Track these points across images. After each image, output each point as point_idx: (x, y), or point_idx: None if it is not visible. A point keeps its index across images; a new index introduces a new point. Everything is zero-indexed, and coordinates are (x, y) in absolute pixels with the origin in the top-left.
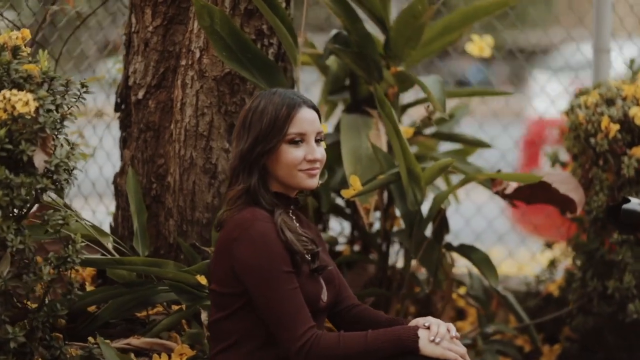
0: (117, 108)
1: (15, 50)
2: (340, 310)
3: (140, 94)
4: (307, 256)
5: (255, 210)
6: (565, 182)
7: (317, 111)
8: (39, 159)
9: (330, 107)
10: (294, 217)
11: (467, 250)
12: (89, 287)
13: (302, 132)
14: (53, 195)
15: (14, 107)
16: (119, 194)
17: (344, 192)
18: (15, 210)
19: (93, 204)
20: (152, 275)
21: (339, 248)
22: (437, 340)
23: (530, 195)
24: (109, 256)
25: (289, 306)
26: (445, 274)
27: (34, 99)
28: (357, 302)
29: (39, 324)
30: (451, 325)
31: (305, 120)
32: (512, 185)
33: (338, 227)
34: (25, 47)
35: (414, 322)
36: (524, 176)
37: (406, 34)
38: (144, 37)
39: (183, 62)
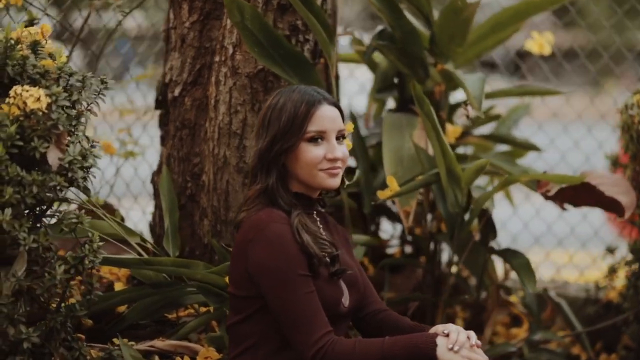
0: (157, 105)
1: (35, 46)
2: (365, 315)
3: (177, 91)
4: (325, 259)
5: (272, 211)
6: (615, 185)
7: (340, 108)
8: (53, 156)
9: (379, 105)
10: (318, 219)
11: (508, 255)
12: (123, 287)
13: (322, 130)
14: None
15: (25, 103)
16: (156, 192)
17: (380, 194)
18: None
19: (143, 202)
20: (184, 277)
21: (391, 251)
22: (456, 348)
23: (574, 196)
24: (137, 256)
25: (304, 310)
26: (491, 279)
27: (47, 95)
28: (384, 307)
29: (57, 324)
30: (472, 333)
31: (326, 117)
32: (555, 187)
33: (391, 229)
34: (46, 41)
35: (434, 329)
36: (567, 177)
37: (449, 30)
38: (181, 33)
39: (217, 59)
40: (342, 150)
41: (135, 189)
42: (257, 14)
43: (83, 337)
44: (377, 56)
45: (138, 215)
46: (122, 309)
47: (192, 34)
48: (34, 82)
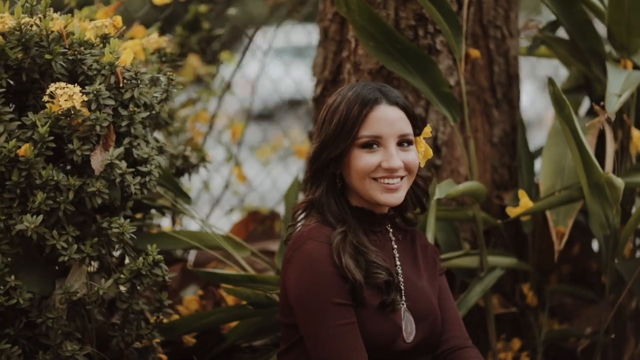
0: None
1: (104, 39)
2: (442, 352)
3: (318, 90)
4: (373, 287)
5: (320, 227)
6: None
7: (406, 109)
8: (96, 160)
9: (573, 106)
10: (393, 239)
11: None
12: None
13: (377, 134)
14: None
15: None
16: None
17: (509, 210)
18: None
19: None
20: None
21: None
22: None
23: None
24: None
25: (337, 346)
26: None
27: (84, 94)
28: (464, 343)
29: (119, 342)
30: None
31: (382, 120)
32: None
33: None
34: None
35: None
36: None
37: (624, 20)
38: (324, 26)
39: (345, 54)
40: (405, 158)
41: None
42: (364, 4)
43: (165, 357)
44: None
45: None
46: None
47: (333, 26)
48: (89, 79)
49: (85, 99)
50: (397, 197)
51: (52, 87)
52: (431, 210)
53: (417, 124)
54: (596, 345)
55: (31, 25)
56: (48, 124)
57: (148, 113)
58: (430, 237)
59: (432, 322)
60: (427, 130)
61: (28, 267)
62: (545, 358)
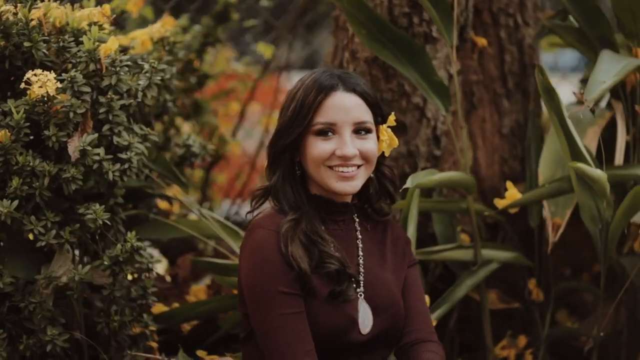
0: None
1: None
2: (403, 344)
3: None
4: (324, 276)
5: (273, 215)
6: None
7: (365, 96)
8: (73, 146)
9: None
10: (359, 229)
11: None
12: None
13: (332, 121)
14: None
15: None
16: None
17: (497, 202)
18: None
19: None
20: None
21: None
22: None
23: None
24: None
25: (281, 335)
26: None
27: (58, 80)
28: (426, 337)
29: (103, 328)
30: None
31: (338, 107)
32: None
33: None
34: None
35: None
36: None
37: (627, 7)
38: (335, 15)
39: (344, 42)
40: (361, 146)
41: None
42: None
43: (155, 345)
44: None
45: None
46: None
47: (343, 15)
48: (75, 67)
49: (60, 85)
50: (353, 186)
51: (28, 74)
52: (413, 202)
53: (380, 112)
54: (607, 345)
55: (14, 14)
56: (22, 111)
57: (130, 101)
58: (411, 229)
59: (393, 314)
60: (391, 119)
61: (14, 253)
62: (554, 356)
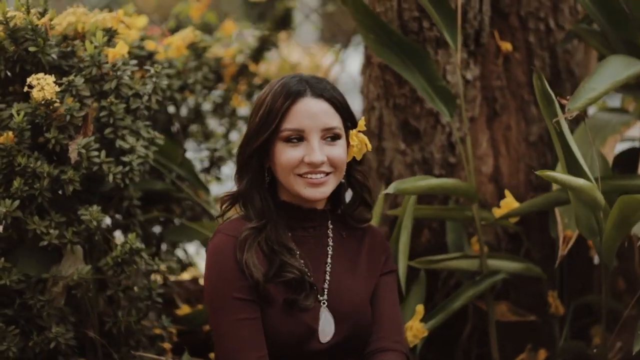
0: None
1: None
2: (366, 353)
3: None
4: (281, 285)
5: (237, 220)
6: None
7: (333, 101)
8: (74, 149)
9: None
10: (331, 236)
11: None
12: None
13: (299, 128)
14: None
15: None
16: None
17: (495, 211)
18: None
19: None
20: None
21: None
22: None
23: None
24: None
25: (234, 340)
26: None
27: (58, 84)
28: (389, 346)
29: (111, 327)
30: None
31: (305, 112)
32: None
33: None
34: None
35: None
36: None
37: None
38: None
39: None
40: (330, 152)
41: None
42: None
43: (169, 346)
44: None
45: None
46: None
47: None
48: (80, 71)
49: (58, 89)
50: (322, 192)
51: (30, 78)
52: (408, 209)
53: (349, 117)
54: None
55: (24, 20)
56: (23, 114)
57: (138, 105)
58: (404, 237)
59: (356, 322)
60: (361, 123)
61: (27, 251)
62: None
